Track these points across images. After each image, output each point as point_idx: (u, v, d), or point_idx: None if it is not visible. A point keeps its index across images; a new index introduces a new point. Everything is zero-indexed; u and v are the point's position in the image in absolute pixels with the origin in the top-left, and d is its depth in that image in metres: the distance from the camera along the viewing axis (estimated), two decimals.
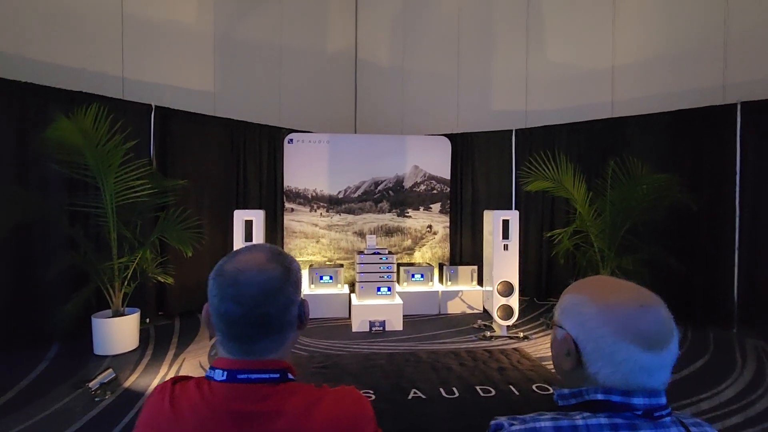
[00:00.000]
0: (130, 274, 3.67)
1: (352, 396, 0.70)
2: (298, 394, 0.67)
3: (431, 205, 5.79)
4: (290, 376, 0.70)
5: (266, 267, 0.70)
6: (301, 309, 0.74)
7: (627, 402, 0.64)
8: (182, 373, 3.16)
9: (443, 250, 5.80)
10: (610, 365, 0.65)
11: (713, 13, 4.44)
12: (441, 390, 2.89)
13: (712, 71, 4.46)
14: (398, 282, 4.99)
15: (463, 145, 6.08)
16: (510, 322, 4.10)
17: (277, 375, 0.68)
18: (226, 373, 0.67)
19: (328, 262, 5.49)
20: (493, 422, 0.71)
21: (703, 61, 4.51)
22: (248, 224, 3.81)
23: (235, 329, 0.68)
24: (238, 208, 4.26)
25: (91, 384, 2.71)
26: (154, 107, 4.52)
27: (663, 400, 0.65)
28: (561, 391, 0.73)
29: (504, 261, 4.12)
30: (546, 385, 2.93)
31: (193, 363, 3.39)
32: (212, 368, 0.69)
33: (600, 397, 0.66)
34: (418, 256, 5.74)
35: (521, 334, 4.08)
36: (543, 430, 0.64)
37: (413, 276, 5.05)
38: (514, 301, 4.09)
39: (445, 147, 5.83)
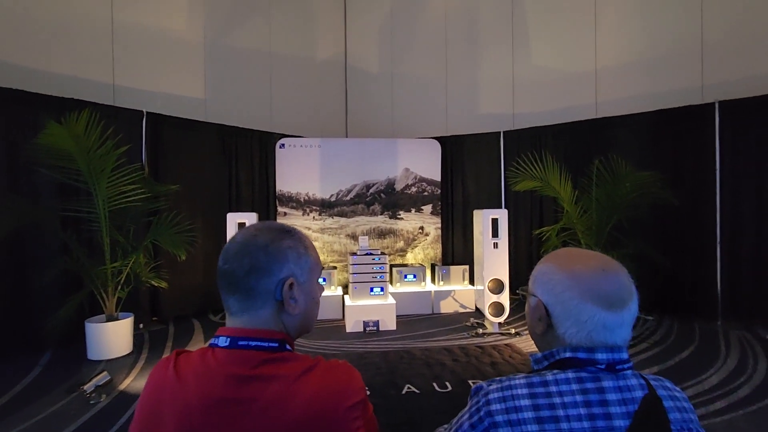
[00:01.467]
0: (123, 279, 3.68)
1: (344, 367, 0.75)
2: (292, 362, 0.72)
3: (422, 207, 5.86)
4: (288, 347, 0.75)
5: (254, 233, 0.77)
6: (279, 286, 0.74)
7: (591, 357, 0.71)
8: None
9: (435, 251, 5.87)
10: (575, 324, 0.72)
11: (689, 17, 4.61)
12: (434, 385, 2.94)
13: (691, 72, 4.61)
14: (391, 283, 5.05)
15: (452, 147, 6.18)
16: (501, 319, 4.17)
17: (276, 344, 0.73)
18: (229, 339, 0.72)
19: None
20: (474, 386, 0.77)
21: (681, 63, 4.67)
22: (241, 227, 3.84)
23: (217, 281, 0.77)
24: (230, 213, 4.29)
25: (86, 386, 2.72)
26: (145, 113, 4.55)
27: (624, 356, 0.72)
28: (535, 356, 0.80)
29: (494, 259, 4.20)
30: None
31: None
32: (216, 336, 0.74)
33: (568, 355, 0.73)
34: (411, 258, 5.80)
35: (512, 331, 4.15)
36: (516, 386, 0.71)
37: (406, 276, 5.10)
38: (504, 298, 4.17)
39: (435, 149, 5.92)
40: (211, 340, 0.75)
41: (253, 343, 0.72)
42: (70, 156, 3.43)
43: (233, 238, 0.79)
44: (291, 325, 0.78)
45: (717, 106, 4.31)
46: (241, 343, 0.72)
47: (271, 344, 0.73)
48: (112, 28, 4.49)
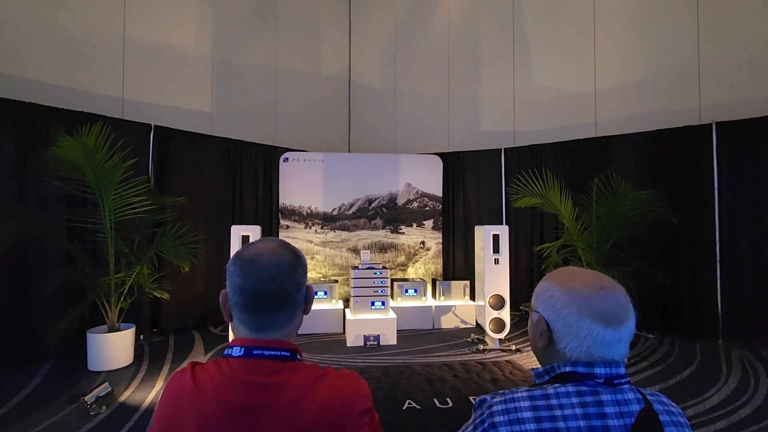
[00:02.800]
0: (126, 290, 3.70)
1: (352, 376, 0.80)
2: (303, 371, 0.77)
3: (424, 222, 5.91)
4: (298, 356, 0.80)
5: (279, 252, 0.82)
6: (307, 292, 0.86)
7: (590, 372, 0.74)
8: None
9: (436, 266, 5.89)
10: (575, 340, 0.75)
11: (686, 40, 4.73)
12: (435, 401, 2.94)
13: (688, 94, 4.71)
14: (392, 297, 5.05)
15: (454, 163, 6.26)
16: (502, 335, 4.16)
17: (287, 353, 0.78)
18: (243, 349, 0.76)
19: (322, 278, 5.54)
20: (477, 399, 0.80)
21: (679, 84, 4.77)
22: (245, 239, 3.88)
23: (257, 303, 0.78)
24: (234, 225, 4.34)
25: (87, 397, 2.72)
26: (153, 127, 4.64)
27: (622, 371, 0.75)
28: (537, 370, 0.83)
29: (495, 274, 4.22)
30: None
31: None
32: (230, 347, 0.78)
33: (568, 369, 0.76)
34: (412, 272, 5.82)
35: (513, 347, 4.15)
36: (518, 399, 0.74)
37: (407, 291, 5.11)
38: (505, 314, 4.17)
39: (437, 165, 5.99)
40: (225, 351, 0.79)
41: (267, 353, 0.76)
42: (79, 168, 3.50)
43: (255, 261, 0.80)
44: (299, 324, 0.87)
45: (714, 127, 4.39)
46: (255, 352, 0.76)
47: (283, 353, 0.77)
48: (124, 44, 4.61)
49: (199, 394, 0.72)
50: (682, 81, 4.74)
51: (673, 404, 0.77)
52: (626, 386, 0.74)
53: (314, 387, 0.73)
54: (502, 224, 5.77)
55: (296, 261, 0.83)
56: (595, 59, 5.37)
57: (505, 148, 6.01)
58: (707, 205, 4.41)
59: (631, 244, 4.35)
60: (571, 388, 0.73)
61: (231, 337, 3.57)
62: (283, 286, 0.80)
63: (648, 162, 4.79)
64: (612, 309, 0.76)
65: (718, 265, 4.34)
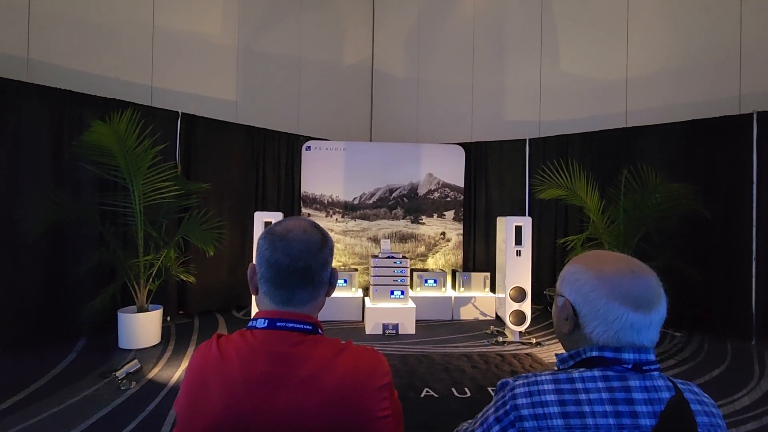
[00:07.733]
0: (155, 272, 3.83)
1: (372, 351, 0.81)
2: (325, 344, 0.78)
3: (445, 213, 5.86)
4: (320, 330, 0.82)
5: (309, 231, 0.84)
6: (332, 273, 0.87)
7: (618, 357, 0.72)
8: None
9: (456, 257, 5.85)
10: (603, 324, 0.73)
11: (727, 24, 4.48)
12: (453, 390, 2.94)
13: (728, 82, 4.47)
14: (412, 287, 5.05)
15: (477, 153, 6.16)
16: (522, 328, 4.11)
17: (310, 327, 0.79)
18: (267, 321, 0.78)
19: (342, 267, 5.59)
20: (499, 382, 0.79)
21: (718, 72, 4.53)
22: (267, 225, 3.95)
23: (282, 277, 0.80)
24: (257, 212, 4.41)
25: (117, 373, 2.84)
26: (180, 114, 4.74)
27: (652, 357, 0.73)
28: (561, 355, 0.82)
29: (517, 267, 4.16)
30: None
31: None
32: (254, 319, 0.80)
33: (595, 354, 0.74)
34: (432, 263, 5.80)
35: (534, 340, 4.09)
36: (542, 382, 0.73)
37: (426, 281, 5.10)
38: (526, 306, 4.12)
39: (459, 155, 5.92)
40: (249, 323, 0.82)
41: (290, 325, 0.78)
42: (110, 153, 3.62)
43: (285, 236, 0.82)
44: (321, 305, 0.88)
45: (755, 116, 4.16)
46: (279, 324, 0.78)
47: (305, 326, 0.79)
48: (153, 33, 4.72)
49: (225, 363, 0.74)
50: (722, 68, 4.50)
51: (705, 395, 0.75)
52: (656, 373, 0.72)
53: (335, 360, 0.75)
54: (525, 216, 5.67)
55: (324, 241, 0.85)
56: (628, 46, 5.15)
57: (529, 139, 5.87)
58: (744, 199, 4.20)
59: (660, 239, 4.20)
60: (597, 373, 0.71)
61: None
62: (309, 263, 0.81)
63: (681, 154, 4.59)
64: (642, 293, 0.73)
65: (753, 262, 4.14)
